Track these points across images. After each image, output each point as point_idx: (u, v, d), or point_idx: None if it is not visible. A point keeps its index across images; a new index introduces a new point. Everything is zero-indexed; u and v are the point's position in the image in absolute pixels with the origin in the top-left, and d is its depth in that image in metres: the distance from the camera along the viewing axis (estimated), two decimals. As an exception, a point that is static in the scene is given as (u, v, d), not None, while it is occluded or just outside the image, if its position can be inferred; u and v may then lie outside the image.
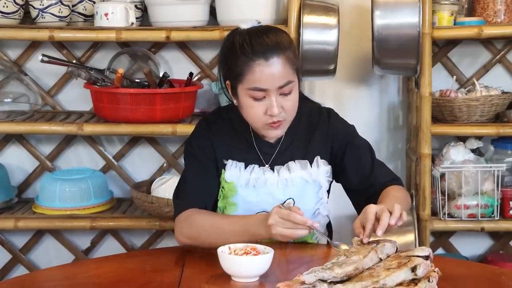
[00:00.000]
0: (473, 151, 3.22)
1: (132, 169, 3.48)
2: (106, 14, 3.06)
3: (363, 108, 3.44)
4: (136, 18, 3.15)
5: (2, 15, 3.08)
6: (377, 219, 1.90)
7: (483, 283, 1.94)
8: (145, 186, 3.28)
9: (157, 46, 3.38)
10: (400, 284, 1.68)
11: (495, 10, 3.17)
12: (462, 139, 3.30)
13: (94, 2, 3.20)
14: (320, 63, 3.02)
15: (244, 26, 2.14)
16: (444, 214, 3.15)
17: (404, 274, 1.69)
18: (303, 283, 1.69)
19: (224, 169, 2.21)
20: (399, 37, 2.96)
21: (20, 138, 3.43)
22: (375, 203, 2.02)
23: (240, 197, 2.21)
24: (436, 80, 3.17)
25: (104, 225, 3.18)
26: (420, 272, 1.70)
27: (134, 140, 3.46)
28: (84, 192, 3.19)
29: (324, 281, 1.68)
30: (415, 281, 1.70)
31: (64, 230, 3.42)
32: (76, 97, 3.41)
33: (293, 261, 2.08)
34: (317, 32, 3.00)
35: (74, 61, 3.34)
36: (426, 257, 1.76)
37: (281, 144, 2.23)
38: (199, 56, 3.40)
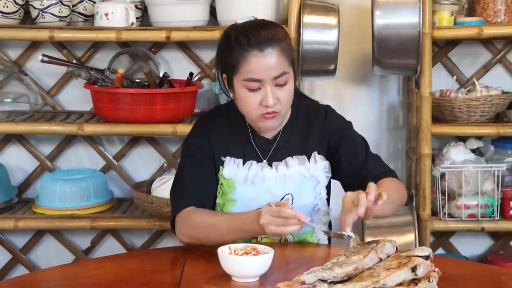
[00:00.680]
0: (473, 151, 3.22)
1: (132, 169, 3.48)
2: (106, 14, 3.06)
3: (363, 108, 3.44)
4: (136, 18, 3.15)
5: (2, 15, 3.08)
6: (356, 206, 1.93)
7: (483, 283, 1.94)
8: (145, 186, 3.28)
9: (157, 46, 3.38)
10: (400, 284, 1.68)
11: (495, 10, 3.17)
12: (462, 139, 3.30)
13: (94, 2, 3.20)
14: (320, 63, 3.02)
15: (240, 21, 2.17)
16: (444, 214, 3.15)
17: (404, 274, 1.69)
18: (303, 283, 1.69)
19: (222, 166, 2.22)
20: (399, 37, 2.96)
21: (20, 138, 3.43)
22: None
23: (238, 193, 2.22)
24: (436, 80, 3.17)
25: (104, 225, 3.18)
26: (420, 272, 1.70)
27: (134, 140, 3.46)
28: (84, 192, 3.19)
29: (324, 281, 1.68)
30: (415, 281, 1.70)
31: (64, 230, 3.41)
32: (76, 97, 3.41)
33: (293, 261, 2.08)
34: (317, 32, 3.00)
35: (74, 61, 3.34)
36: (426, 257, 1.76)
37: (279, 140, 2.24)
38: (199, 56, 3.40)
